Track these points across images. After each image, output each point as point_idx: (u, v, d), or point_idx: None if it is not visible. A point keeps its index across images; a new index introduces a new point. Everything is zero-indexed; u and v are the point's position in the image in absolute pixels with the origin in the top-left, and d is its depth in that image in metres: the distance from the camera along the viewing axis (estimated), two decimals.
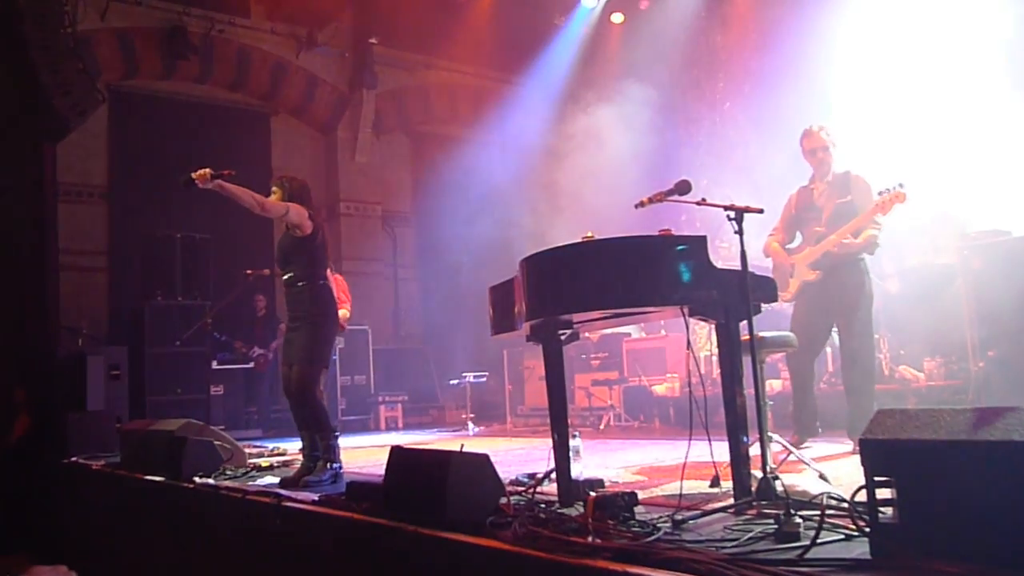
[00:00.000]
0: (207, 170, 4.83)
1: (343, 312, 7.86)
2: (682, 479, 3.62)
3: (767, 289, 3.75)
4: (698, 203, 3.94)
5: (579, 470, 3.93)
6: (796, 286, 5.74)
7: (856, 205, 5.54)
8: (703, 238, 3.58)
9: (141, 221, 11.19)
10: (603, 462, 5.66)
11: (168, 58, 11.91)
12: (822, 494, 3.02)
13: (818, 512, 2.72)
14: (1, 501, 8.30)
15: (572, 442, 3.83)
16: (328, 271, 5.49)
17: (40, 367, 9.11)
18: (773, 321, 7.23)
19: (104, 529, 6.35)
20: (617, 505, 3.08)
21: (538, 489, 3.94)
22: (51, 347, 9.36)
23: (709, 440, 3.61)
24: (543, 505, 3.52)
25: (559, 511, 3.37)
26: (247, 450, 6.56)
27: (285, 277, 5.27)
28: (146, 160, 11.77)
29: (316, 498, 4.17)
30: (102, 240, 11.69)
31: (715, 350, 7.27)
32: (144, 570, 5.65)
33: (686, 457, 3.63)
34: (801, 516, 2.82)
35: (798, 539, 2.68)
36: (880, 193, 5.33)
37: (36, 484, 8.01)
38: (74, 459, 7.40)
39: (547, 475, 4.05)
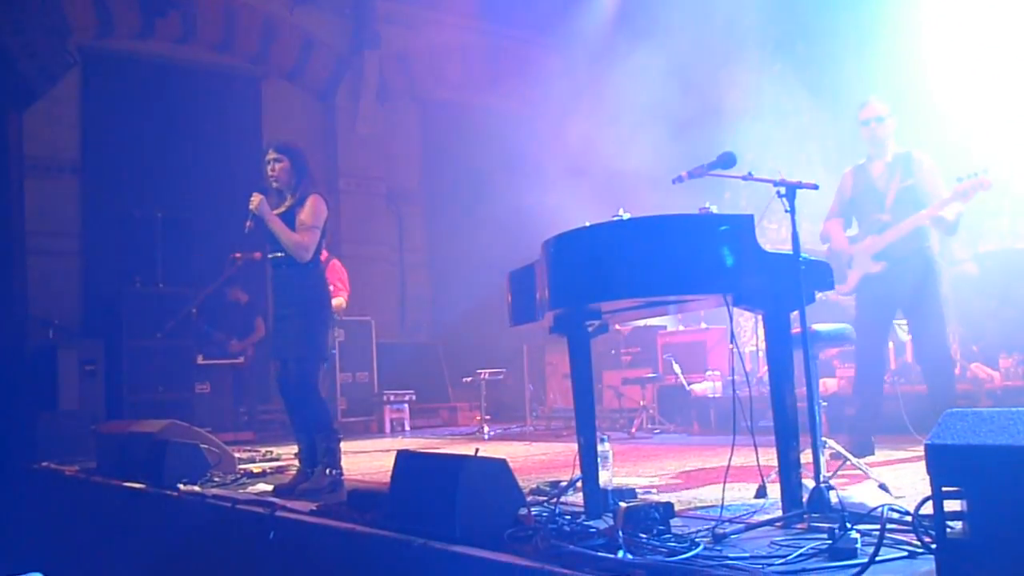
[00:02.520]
0: (259, 197, 5.15)
1: (338, 301, 7.90)
2: (724, 489, 3.62)
3: (822, 275, 3.74)
4: (744, 178, 3.93)
5: (608, 478, 3.94)
6: (856, 279, 5.75)
7: (920, 189, 5.54)
8: (749, 217, 3.58)
9: (118, 199, 11.26)
10: (635, 469, 5.68)
11: (146, 15, 11.95)
12: (882, 506, 3.02)
13: (878, 526, 2.72)
14: None
15: (600, 447, 3.85)
16: (323, 254, 5.53)
17: (6, 362, 9.20)
18: (829, 313, 7.21)
19: (79, 541, 6.43)
20: (651, 517, 3.09)
21: (562, 499, 3.96)
22: (18, 340, 9.45)
23: (755, 445, 3.61)
24: (568, 517, 3.53)
25: (586, 523, 3.39)
26: (237, 454, 6.62)
27: (273, 257, 5.30)
28: (123, 130, 11.82)
29: (314, 507, 4.22)
30: (74, 220, 11.76)
31: (762, 345, 7.27)
32: None
33: (728, 464, 3.65)
34: (858, 530, 2.83)
35: (855, 556, 2.69)
36: (960, 179, 5.31)
37: (3, 491, 8.12)
38: (45, 464, 7.49)
39: (572, 484, 4.07)
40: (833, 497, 3.25)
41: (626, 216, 3.67)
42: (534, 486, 4.49)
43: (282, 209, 5.27)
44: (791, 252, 3.54)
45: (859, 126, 5.78)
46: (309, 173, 5.36)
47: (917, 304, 5.55)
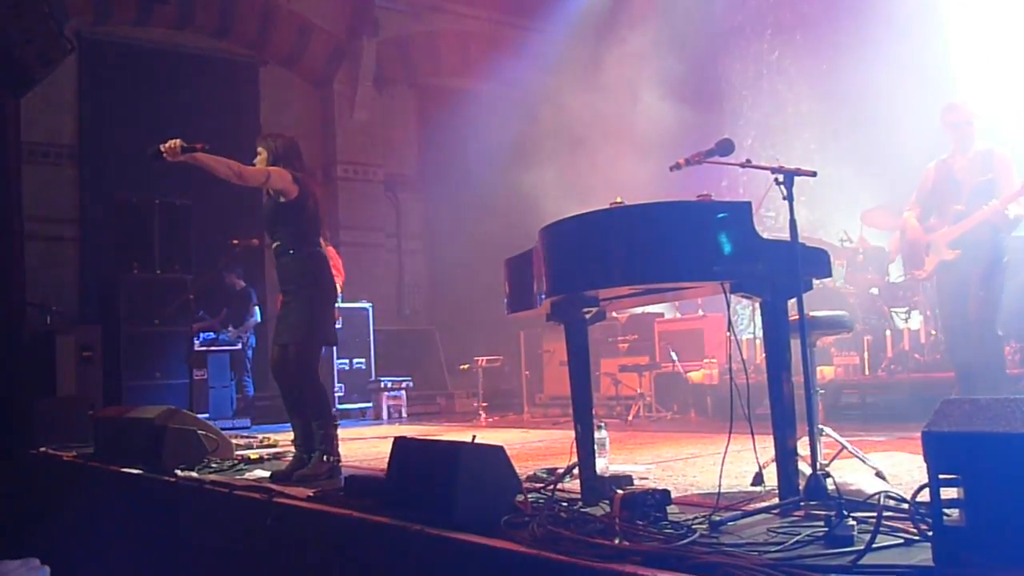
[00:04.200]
0: (177, 141, 4.90)
1: None
2: (720, 476, 3.62)
3: (819, 263, 3.74)
4: (742, 165, 3.92)
5: (604, 465, 3.95)
6: (933, 264, 6.08)
7: (997, 184, 5.85)
8: (747, 204, 3.57)
9: (115, 185, 11.23)
10: (631, 457, 5.68)
11: (144, 1, 11.90)
12: (879, 493, 3.02)
13: (874, 513, 2.72)
14: None
15: (597, 434, 3.85)
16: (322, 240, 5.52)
17: (4, 348, 9.20)
18: (827, 300, 7.21)
19: (76, 526, 6.44)
20: (647, 504, 3.09)
21: (559, 486, 3.97)
22: (16, 326, 9.44)
23: (752, 433, 3.61)
24: (564, 503, 3.54)
25: (582, 510, 3.39)
26: (234, 441, 6.62)
27: (274, 246, 5.31)
28: (120, 116, 11.80)
29: (311, 494, 4.22)
30: (72, 206, 11.75)
31: (760, 332, 7.26)
32: (121, 571, 5.73)
33: (725, 452, 3.64)
34: (855, 518, 2.83)
35: (851, 543, 2.69)
36: None
37: (1, 477, 8.12)
38: (43, 449, 7.50)
39: (569, 470, 4.08)
40: (830, 484, 3.24)
41: (624, 203, 3.65)
42: (531, 473, 4.49)
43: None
44: (789, 239, 3.53)
45: (946, 127, 5.97)
46: (292, 161, 5.31)
47: (979, 283, 5.84)
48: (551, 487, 3.95)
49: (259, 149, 5.36)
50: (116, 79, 11.96)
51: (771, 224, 8.52)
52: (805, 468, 3.49)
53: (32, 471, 7.53)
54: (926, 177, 6.25)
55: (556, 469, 4.34)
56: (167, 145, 4.91)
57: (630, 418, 9.08)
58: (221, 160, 5.02)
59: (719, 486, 3.55)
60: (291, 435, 5.43)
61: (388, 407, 11.31)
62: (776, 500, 3.46)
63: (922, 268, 6.19)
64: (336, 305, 5.80)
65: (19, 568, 1.72)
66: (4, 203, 9.87)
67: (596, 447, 3.81)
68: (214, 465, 5.70)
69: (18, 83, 9.60)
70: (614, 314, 9.76)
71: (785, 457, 3.53)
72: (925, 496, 2.45)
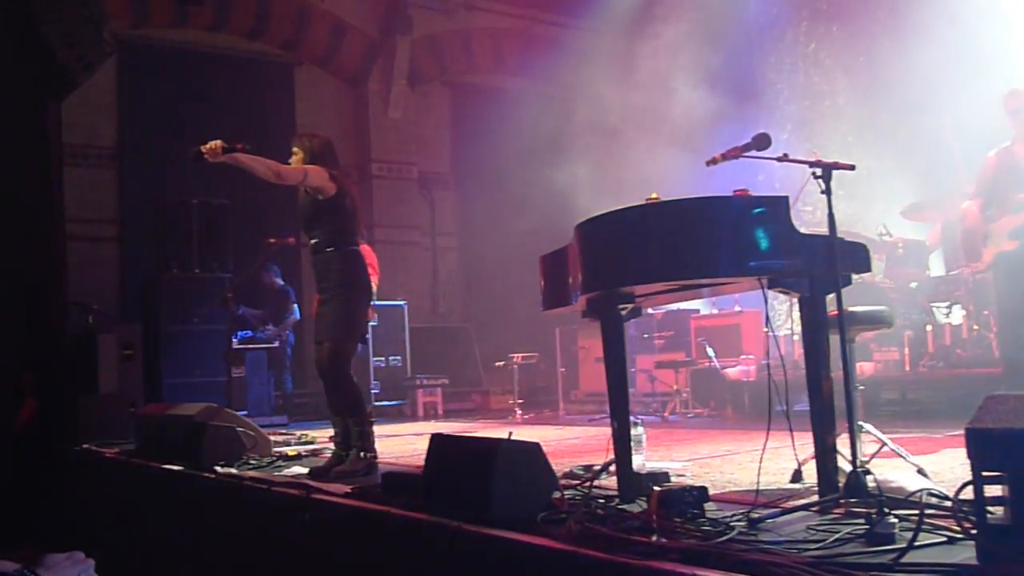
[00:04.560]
0: (218, 142, 4.95)
1: None
2: (759, 473, 3.59)
3: (858, 257, 3.69)
4: (778, 159, 3.88)
5: (641, 462, 3.93)
6: (990, 256, 5.99)
7: None
8: (784, 199, 3.54)
9: (154, 185, 11.36)
10: (668, 453, 5.67)
11: (180, 3, 12.02)
12: (921, 491, 2.98)
13: (916, 511, 2.68)
14: (7, 492, 8.56)
15: (633, 431, 3.84)
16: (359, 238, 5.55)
17: (48, 347, 9.33)
18: (866, 295, 7.13)
19: (119, 522, 6.53)
20: (685, 501, 3.08)
21: (595, 483, 3.96)
22: (59, 325, 9.57)
23: (790, 429, 3.58)
24: (601, 500, 3.54)
25: (619, 507, 3.39)
26: (272, 437, 6.67)
27: (311, 243, 5.34)
28: (158, 118, 11.93)
29: (348, 490, 4.24)
30: (111, 207, 11.90)
31: (797, 328, 7.19)
32: (162, 565, 5.80)
33: (763, 448, 3.61)
34: (896, 515, 2.79)
35: (892, 541, 2.65)
36: None
37: (45, 473, 8.24)
38: (86, 446, 7.60)
39: (605, 467, 4.06)
40: (870, 482, 3.21)
41: (660, 199, 3.64)
42: (567, 470, 4.48)
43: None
44: (827, 234, 3.49)
45: (1008, 114, 5.89)
46: (329, 161, 5.35)
47: None
48: (588, 484, 3.94)
49: (294, 148, 5.40)
50: (154, 81, 12.08)
51: (808, 219, 8.43)
52: (845, 465, 3.46)
53: (75, 468, 7.64)
54: (987, 166, 6.10)
55: (592, 466, 4.33)
56: (208, 146, 4.96)
57: (666, 415, 9.04)
58: (260, 160, 5.07)
59: (757, 483, 3.53)
60: (329, 432, 5.46)
61: (424, 404, 11.34)
62: (815, 497, 3.43)
63: (979, 260, 6.06)
64: (371, 303, 5.82)
65: (64, 561, 1.77)
66: (46, 205, 10.02)
67: (632, 444, 3.79)
68: (253, 462, 5.75)
69: (59, 86, 9.74)
70: (650, 310, 9.72)
71: (824, 454, 3.50)
72: (968, 493, 2.42)
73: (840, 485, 3.35)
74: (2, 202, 10.06)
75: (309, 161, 5.30)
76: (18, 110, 9.96)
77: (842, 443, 3.57)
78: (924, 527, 2.63)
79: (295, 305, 11.20)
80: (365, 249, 8.23)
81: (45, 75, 9.44)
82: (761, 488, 3.53)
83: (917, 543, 2.54)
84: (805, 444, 3.68)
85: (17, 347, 9.57)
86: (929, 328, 8.13)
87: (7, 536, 8.03)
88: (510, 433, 3.61)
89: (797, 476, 3.95)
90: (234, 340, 10.47)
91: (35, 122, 9.99)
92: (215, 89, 12.37)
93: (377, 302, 9.23)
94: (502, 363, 10.72)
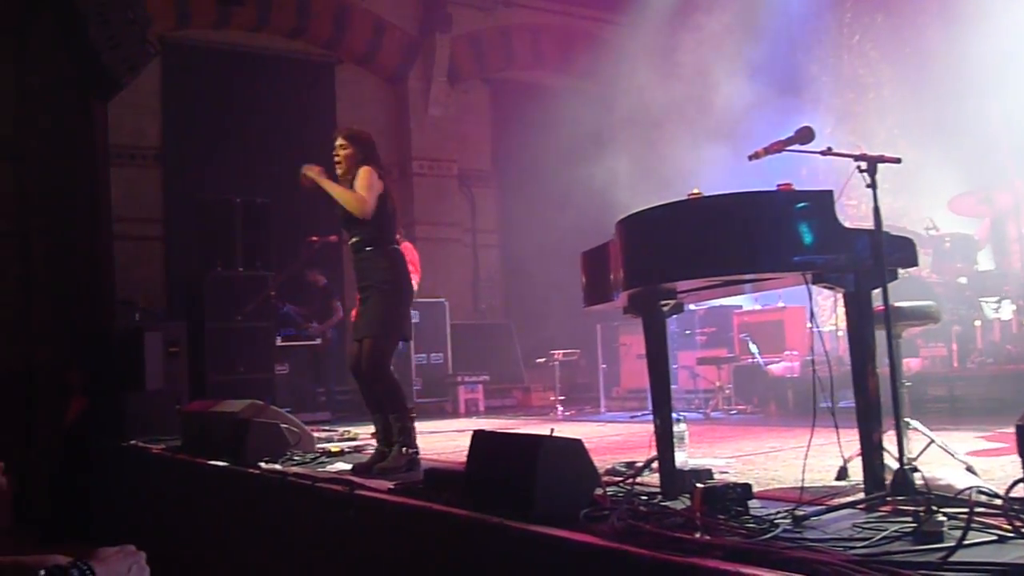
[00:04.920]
0: (318, 168, 5.24)
1: None
2: (803, 470, 3.55)
3: (905, 251, 3.65)
4: (823, 153, 3.84)
5: (684, 459, 3.91)
6: None
7: None
8: (828, 193, 3.51)
9: (197, 184, 11.51)
10: (711, 450, 5.63)
11: (222, 4, 12.15)
12: (970, 488, 2.93)
13: (965, 509, 2.64)
14: (56, 487, 8.72)
15: (676, 427, 3.82)
16: (398, 236, 5.57)
17: (95, 345, 9.48)
18: (913, 290, 7.03)
19: (165, 517, 6.63)
20: (728, 498, 3.06)
21: (638, 480, 3.94)
22: (106, 323, 9.72)
23: (835, 426, 3.54)
24: (644, 497, 3.53)
25: (662, 504, 3.38)
26: (315, 434, 6.73)
27: (351, 242, 5.37)
28: (201, 118, 12.09)
29: (391, 486, 4.26)
30: (157, 206, 12.06)
31: (842, 323, 7.11)
32: (207, 560, 5.88)
33: (808, 445, 3.58)
34: (945, 513, 2.75)
35: (941, 540, 2.61)
36: None
37: (92, 469, 8.39)
38: (133, 442, 7.72)
39: (648, 464, 4.04)
40: (918, 479, 3.16)
41: (702, 194, 3.61)
42: (609, 466, 4.47)
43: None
44: (872, 228, 3.45)
45: None
46: (374, 157, 5.40)
47: None
48: (630, 480, 3.93)
49: (343, 142, 5.40)
50: (197, 82, 12.23)
51: (853, 213, 8.33)
52: (892, 462, 3.42)
53: (122, 464, 7.77)
54: None
55: (635, 463, 4.31)
56: (310, 171, 5.24)
57: (709, 411, 8.99)
58: (347, 191, 5.23)
59: (802, 480, 3.49)
60: (370, 428, 5.49)
61: (465, 401, 11.38)
62: (862, 495, 3.39)
63: None
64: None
65: (116, 554, 1.80)
66: (94, 204, 10.18)
67: (675, 440, 3.77)
68: (296, 458, 5.81)
69: (105, 88, 9.87)
70: (692, 306, 9.66)
71: (870, 451, 3.46)
72: (1020, 491, 2.38)
73: (887, 483, 3.30)
74: (51, 202, 10.26)
75: (363, 159, 5.33)
76: (66, 111, 10.14)
77: (889, 440, 3.52)
78: (974, 525, 2.59)
79: (338, 303, 11.28)
80: (407, 247, 8.28)
81: (91, 77, 9.58)
82: (806, 485, 3.48)
83: (966, 542, 2.50)
84: (851, 441, 3.64)
85: (66, 345, 9.75)
86: (978, 324, 8.00)
87: (58, 530, 8.19)
88: (552, 430, 3.61)
89: (843, 473, 3.91)
90: (277, 337, 10.56)
91: (82, 123, 10.15)
92: (257, 89, 12.49)
93: (418, 299, 9.26)
94: (543, 360, 10.72)
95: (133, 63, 9.54)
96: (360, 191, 5.22)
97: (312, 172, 5.30)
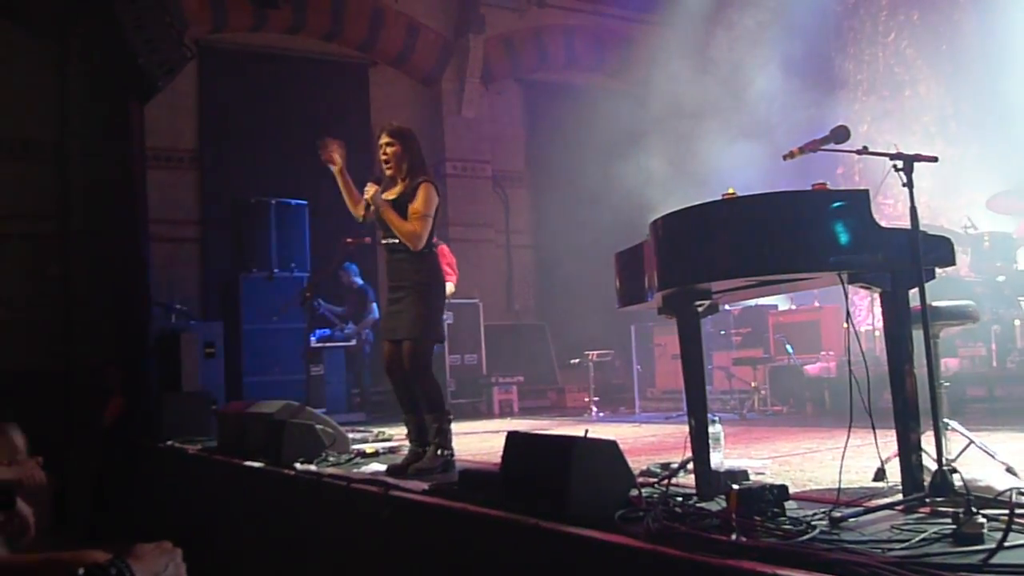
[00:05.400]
0: (375, 187, 5.27)
1: (448, 287, 8.00)
2: (840, 471, 3.53)
3: (942, 251, 3.62)
4: (858, 152, 3.82)
5: (719, 460, 3.90)
6: None
7: None
8: (864, 192, 3.49)
9: (233, 186, 11.61)
10: (747, 451, 5.61)
11: (258, 7, 12.26)
12: (1010, 490, 2.90)
13: (1006, 510, 2.62)
14: (96, 487, 8.85)
15: (711, 428, 3.81)
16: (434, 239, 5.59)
17: (133, 345, 9.61)
18: (950, 289, 6.95)
19: (202, 517, 6.69)
20: (764, 499, 3.04)
21: (673, 481, 3.94)
22: (143, 324, 9.84)
23: (873, 427, 3.52)
24: (679, 498, 3.51)
25: (698, 505, 3.37)
26: (350, 435, 6.76)
27: (387, 243, 5.36)
28: (237, 120, 12.20)
29: (426, 487, 4.28)
30: (193, 208, 12.19)
31: (879, 323, 7.04)
32: (244, 560, 5.93)
33: (845, 446, 3.56)
34: (984, 515, 2.72)
35: (981, 541, 2.59)
36: None
37: (131, 468, 8.50)
38: (170, 443, 7.81)
39: (683, 465, 4.04)
40: (956, 480, 3.13)
41: (736, 194, 3.60)
42: (644, 468, 4.47)
43: (393, 195, 5.33)
44: (909, 227, 3.42)
45: None
46: (420, 158, 5.42)
47: None
48: (665, 482, 3.92)
49: (389, 139, 5.35)
50: (233, 85, 12.34)
51: (890, 212, 8.26)
52: (930, 464, 3.39)
53: (160, 464, 7.86)
54: None
55: (670, 464, 4.31)
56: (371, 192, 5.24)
57: (744, 412, 8.94)
58: (401, 220, 5.23)
59: (839, 481, 3.47)
60: (405, 429, 5.51)
61: (499, 402, 11.38)
62: (900, 496, 3.36)
63: None
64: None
65: (154, 550, 1.83)
66: (131, 207, 10.31)
67: (710, 441, 3.76)
68: (331, 459, 5.83)
69: (142, 91, 10.00)
70: (727, 306, 9.63)
71: (908, 452, 3.43)
72: None
73: (925, 484, 3.28)
74: (90, 204, 10.40)
75: (411, 161, 5.33)
76: (104, 114, 10.28)
77: (927, 441, 3.49)
78: (1014, 527, 2.56)
79: (374, 304, 11.33)
80: (444, 250, 8.32)
81: (129, 80, 9.71)
82: (843, 486, 3.48)
83: (1007, 544, 2.47)
84: (888, 442, 3.61)
85: (104, 346, 9.88)
86: (1017, 323, 7.89)
87: (97, 527, 8.31)
88: (586, 431, 3.61)
89: (880, 474, 3.88)
90: (312, 339, 10.63)
91: (120, 125, 10.29)
92: (292, 91, 12.58)
93: (452, 300, 9.30)
94: (577, 361, 10.71)
95: (170, 66, 9.66)
96: (419, 211, 5.21)
97: (370, 194, 5.27)
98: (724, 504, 3.11)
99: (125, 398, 9.29)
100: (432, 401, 5.25)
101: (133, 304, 10.03)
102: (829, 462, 4.71)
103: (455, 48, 13.72)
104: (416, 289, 5.25)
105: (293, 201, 10.48)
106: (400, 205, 5.27)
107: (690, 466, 3.82)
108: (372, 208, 5.30)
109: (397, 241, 5.29)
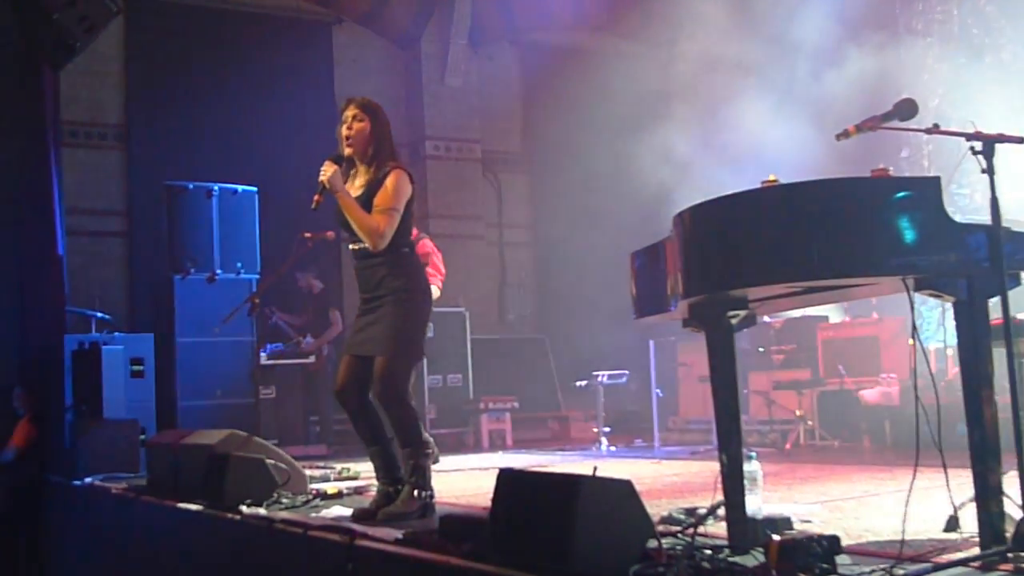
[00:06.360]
0: (334, 168, 5.17)
1: (431, 290, 7.99)
2: (904, 519, 3.55)
3: None
4: (927, 131, 3.83)
5: (757, 504, 3.90)
6: None
7: None
8: (935, 180, 3.49)
9: (167, 170, 11.56)
10: (790, 494, 5.62)
11: None
12: None
13: None
14: None
15: (747, 466, 3.82)
16: (412, 234, 5.58)
17: (42, 362, 9.58)
18: None
19: (126, 570, 6.68)
20: (812, 553, 3.06)
21: (700, 529, 3.94)
22: (56, 336, 9.81)
23: (943, 466, 3.53)
24: (708, 551, 3.52)
25: (730, 559, 3.38)
26: (308, 472, 6.77)
27: (356, 247, 5.33)
28: (174, 90, 12.19)
29: (400, 536, 4.28)
30: (118, 195, 12.18)
31: (952, 339, 7.05)
32: None
33: (910, 489, 3.57)
34: None
35: None
36: None
37: (41, 511, 8.48)
38: (89, 480, 7.79)
39: (712, 510, 4.04)
40: None
41: (779, 181, 3.61)
42: (666, 513, 4.48)
43: (359, 190, 5.30)
44: (989, 223, 3.43)
45: None
46: (391, 142, 5.40)
47: None
48: (691, 531, 3.92)
49: (357, 112, 5.29)
50: (168, 46, 12.33)
51: (966, 204, 8.28)
52: (1013, 511, 3.40)
53: (76, 505, 7.84)
54: None
55: (696, 509, 4.31)
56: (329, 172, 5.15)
57: (788, 446, 8.96)
58: (365, 214, 5.18)
59: (903, 532, 3.48)
60: (372, 465, 5.50)
61: (489, 432, 11.38)
62: (976, 550, 3.37)
63: None
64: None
65: None
66: (41, 193, 10.29)
67: (746, 482, 3.78)
68: (285, 500, 5.83)
69: (57, 53, 9.96)
70: (766, 318, 9.64)
71: (987, 496, 3.43)
72: None
73: (1007, 535, 3.29)
74: None
75: (378, 139, 5.31)
76: (8, 82, 10.25)
77: (1009, 484, 3.50)
78: None
79: (337, 313, 11.32)
80: (427, 244, 8.31)
81: (40, 40, 9.69)
82: (907, 538, 3.49)
83: None
84: (963, 484, 3.62)
85: (7, 361, 9.85)
86: None
87: None
88: (595, 468, 3.61)
89: (953, 523, 3.89)
90: (262, 354, 10.62)
91: (28, 96, 10.27)
92: (240, 54, 12.58)
93: (434, 309, 9.27)
94: (584, 382, 10.72)
95: (91, 23, 9.63)
96: (387, 204, 5.17)
97: (327, 175, 5.17)
98: (762, 558, 3.13)
99: (35, 426, 9.27)
100: (407, 433, 5.24)
101: (44, 311, 10.01)
102: (890, 508, 4.72)
103: (437, 2, 13.71)
104: (396, 297, 5.22)
105: (240, 187, 10.47)
106: (365, 199, 5.25)
107: (721, 512, 3.83)
108: (325, 191, 5.21)
109: (364, 245, 5.26)
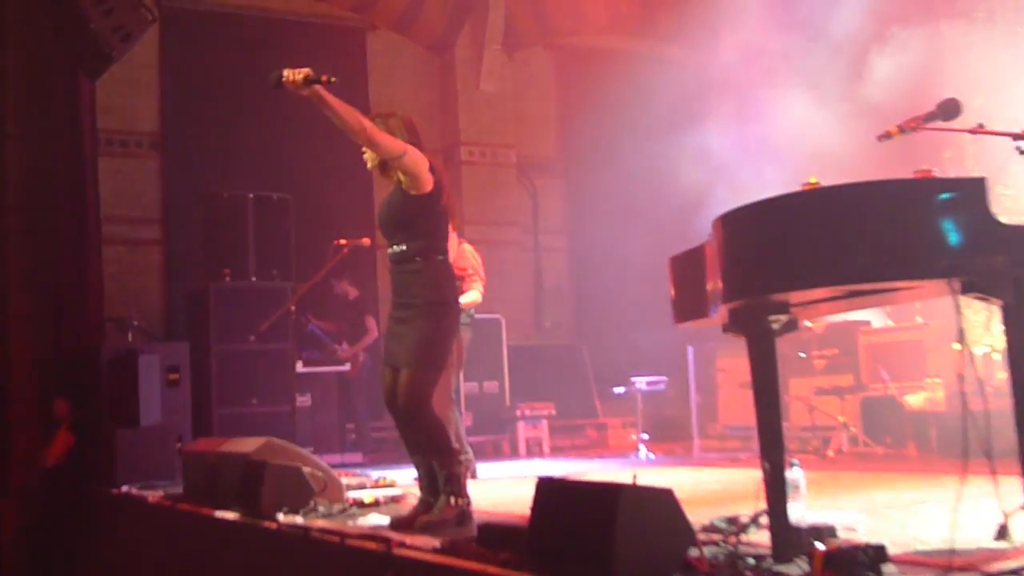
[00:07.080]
0: (306, 70, 5.11)
1: (473, 296, 7.99)
2: (953, 528, 3.52)
3: None
4: (972, 131, 3.80)
5: (800, 512, 3.87)
6: None
7: None
8: (980, 181, 3.46)
9: (203, 177, 11.65)
10: (833, 502, 5.60)
11: None
12: None
13: None
14: (34, 540, 8.90)
15: (789, 474, 3.79)
16: (450, 241, 5.58)
17: (80, 370, 9.65)
18: None
19: None
20: (857, 562, 3.06)
21: (742, 538, 3.91)
22: (93, 344, 9.90)
23: (993, 473, 3.49)
24: (751, 560, 3.51)
25: (774, 569, 3.36)
26: (344, 480, 6.78)
27: (392, 251, 5.36)
28: (209, 98, 12.25)
29: (437, 544, 4.28)
30: (154, 204, 12.25)
31: (999, 344, 6.97)
32: None
33: (958, 498, 3.52)
34: None
35: None
36: None
37: (79, 519, 8.54)
38: (125, 489, 7.85)
39: (754, 519, 4.02)
40: None
41: (820, 184, 3.59)
42: (707, 522, 4.44)
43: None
44: None
45: None
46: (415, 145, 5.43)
47: None
48: (733, 539, 3.90)
49: (394, 120, 5.44)
50: (203, 54, 12.40)
51: (1011, 206, 8.19)
52: None
53: (113, 514, 7.89)
54: None
55: (738, 517, 4.28)
56: (292, 73, 5.09)
57: (831, 453, 8.90)
58: (350, 108, 5.17)
59: (951, 541, 3.46)
60: (412, 473, 5.51)
61: (526, 440, 11.39)
62: None
63: None
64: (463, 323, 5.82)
65: None
66: (78, 202, 10.39)
67: (788, 490, 3.75)
68: (322, 509, 5.84)
69: (93, 62, 10.05)
70: (807, 323, 9.58)
71: None
72: None
73: None
74: (27, 199, 10.47)
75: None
76: (46, 91, 10.35)
77: None
78: None
79: (372, 320, 11.34)
80: (468, 250, 8.30)
81: (77, 50, 9.77)
82: (956, 547, 3.45)
83: None
84: (1013, 491, 3.57)
85: (46, 370, 9.93)
86: None
87: None
88: (634, 476, 3.59)
89: (1003, 532, 3.84)
90: (299, 362, 10.65)
91: (65, 105, 10.37)
92: (274, 62, 12.37)
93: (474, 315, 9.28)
94: (622, 389, 10.70)
95: (127, 32, 9.71)
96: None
97: (297, 75, 5.17)
98: (806, 567, 3.10)
99: (73, 434, 9.33)
100: (434, 442, 5.23)
101: (82, 319, 10.08)
102: (937, 516, 4.68)
103: (472, 8, 13.73)
104: (426, 310, 5.23)
105: (275, 195, 10.52)
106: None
107: (763, 520, 3.80)
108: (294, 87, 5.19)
109: (405, 248, 5.28)
